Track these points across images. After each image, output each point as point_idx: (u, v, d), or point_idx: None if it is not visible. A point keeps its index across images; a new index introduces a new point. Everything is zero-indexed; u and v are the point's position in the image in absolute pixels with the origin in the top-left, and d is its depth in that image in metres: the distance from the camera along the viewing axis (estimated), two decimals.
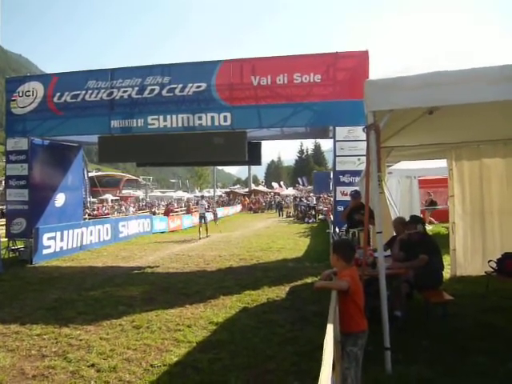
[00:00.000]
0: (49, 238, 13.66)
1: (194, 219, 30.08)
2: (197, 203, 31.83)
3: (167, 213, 30.89)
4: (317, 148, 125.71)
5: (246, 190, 75.48)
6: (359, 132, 10.47)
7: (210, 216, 22.60)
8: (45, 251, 13.46)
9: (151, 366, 5.15)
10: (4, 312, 7.71)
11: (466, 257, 8.96)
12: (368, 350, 4.06)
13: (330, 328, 2.62)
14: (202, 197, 27.79)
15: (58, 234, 14.11)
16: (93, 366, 5.23)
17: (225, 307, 7.72)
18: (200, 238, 20.08)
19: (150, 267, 12.17)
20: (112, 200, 58.83)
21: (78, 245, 15.23)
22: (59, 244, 14.15)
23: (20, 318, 7.24)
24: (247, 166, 68.70)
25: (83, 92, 12.92)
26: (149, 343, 5.94)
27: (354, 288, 3.68)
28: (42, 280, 10.51)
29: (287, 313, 7.22)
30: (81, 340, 6.17)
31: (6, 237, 14.18)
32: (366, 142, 4.90)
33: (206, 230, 21.03)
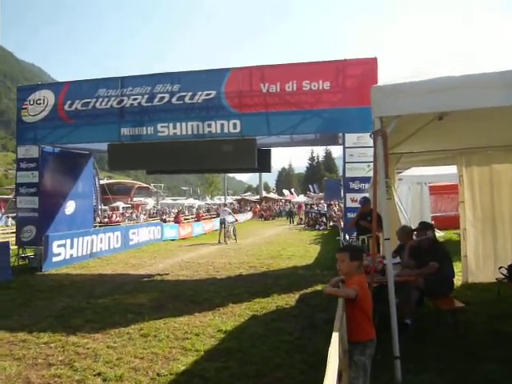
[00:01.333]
0: (59, 246, 13.69)
1: (204, 226, 30.15)
2: (208, 210, 32.35)
3: (177, 220, 30.91)
4: (328, 155, 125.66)
5: (257, 197, 75.54)
6: (368, 138, 10.35)
7: (231, 219, 23.09)
8: (54, 259, 13.49)
9: (158, 375, 5.11)
10: (12, 320, 7.69)
11: (478, 263, 8.86)
12: (377, 358, 4.00)
13: (335, 337, 2.57)
14: (225, 204, 29.14)
15: (68, 241, 14.14)
16: (99, 374, 5.19)
17: (234, 315, 7.68)
18: (219, 242, 21.23)
19: (159, 275, 12.17)
20: (123, 207, 59.01)
21: (88, 252, 15.25)
22: (69, 251, 14.17)
23: (28, 326, 7.22)
24: (258, 174, 68.75)
25: (93, 100, 12.97)
26: (156, 352, 5.90)
27: (361, 295, 3.62)
28: (51, 288, 10.52)
29: (296, 320, 7.17)
30: (88, 348, 6.15)
31: (16, 244, 14.25)
32: (375, 149, 4.84)
33: (225, 235, 21.81)
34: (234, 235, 22.47)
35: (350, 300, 3.63)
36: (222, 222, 22.14)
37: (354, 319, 3.66)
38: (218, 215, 36.26)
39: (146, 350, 5.99)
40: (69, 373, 5.28)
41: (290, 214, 43.14)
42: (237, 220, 28.25)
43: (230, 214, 23.55)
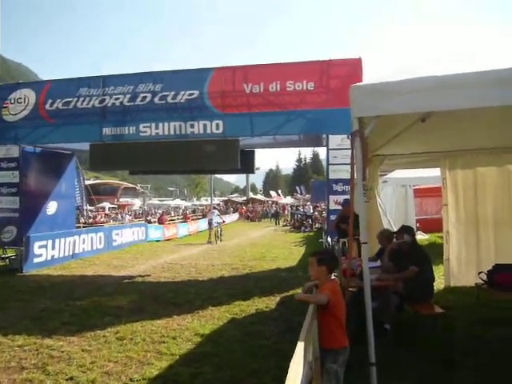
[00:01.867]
0: (40, 247, 13.49)
1: (189, 228, 30.01)
2: (193, 211, 32.36)
3: (161, 221, 30.75)
4: (315, 156, 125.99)
5: (244, 198, 75.43)
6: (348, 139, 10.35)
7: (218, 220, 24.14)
8: (36, 259, 13.28)
9: (130, 379, 5.00)
10: None
11: (460, 267, 8.83)
12: (352, 365, 3.92)
13: (300, 347, 2.45)
14: (214, 207, 32.85)
15: (50, 242, 13.94)
16: (71, 379, 5.08)
17: (212, 318, 7.58)
18: (209, 242, 22.49)
19: (140, 276, 12.03)
20: (109, 208, 58.58)
21: (70, 253, 15.05)
22: (51, 252, 13.97)
23: (4, 329, 7.06)
24: (245, 175, 68.63)
25: (75, 99, 12.74)
26: (131, 355, 5.78)
27: (334, 301, 3.53)
28: (31, 289, 10.34)
29: (275, 324, 7.08)
30: (62, 352, 6.01)
31: None
32: (352, 150, 4.75)
33: (215, 235, 22.78)
34: (220, 236, 23.08)
35: (322, 306, 3.54)
36: (210, 223, 23.59)
37: (326, 326, 3.57)
38: (203, 216, 36.86)
39: (121, 354, 5.87)
40: (41, 377, 5.17)
41: (276, 216, 43.11)
42: (224, 221, 28.32)
43: (217, 215, 24.59)
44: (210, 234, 23.35)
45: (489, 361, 4.96)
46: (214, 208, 30.79)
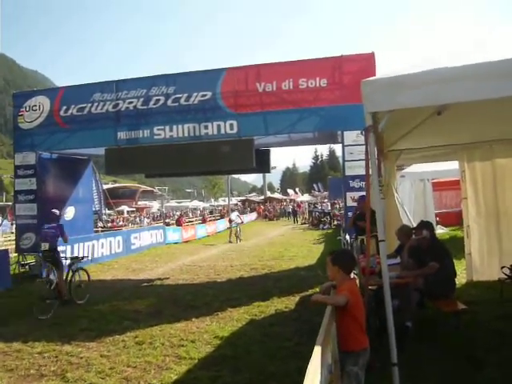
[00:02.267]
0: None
1: (208, 228, 30.06)
2: (211, 212, 32.53)
3: (179, 223, 30.85)
4: (331, 153, 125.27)
5: (262, 197, 75.37)
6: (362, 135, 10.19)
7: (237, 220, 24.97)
8: None
9: None
10: (9, 329, 7.61)
11: (482, 261, 8.65)
12: (377, 366, 3.83)
13: (317, 350, 2.36)
14: (233, 209, 35.60)
15: (68, 247, 14.01)
16: None
17: (231, 320, 7.53)
18: (230, 242, 23.28)
19: (159, 279, 12.04)
20: (128, 211, 59.05)
21: (89, 258, 15.11)
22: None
23: (23, 336, 7.11)
24: (262, 174, 68.59)
25: (89, 105, 12.84)
26: (150, 360, 5.77)
27: (352, 302, 3.43)
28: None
29: (295, 325, 7.00)
30: (81, 358, 6.03)
31: (15, 252, 14.13)
32: (366, 146, 4.64)
33: (235, 235, 23.80)
34: (240, 236, 23.93)
35: (340, 307, 3.44)
36: (230, 222, 24.87)
37: (345, 328, 3.47)
38: (221, 217, 37.27)
39: (140, 359, 5.86)
40: None
41: (294, 214, 42.97)
42: (242, 222, 28.39)
43: (237, 215, 25.61)
44: (230, 234, 24.15)
45: None
46: (233, 210, 32.23)
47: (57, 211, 10.53)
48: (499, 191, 8.42)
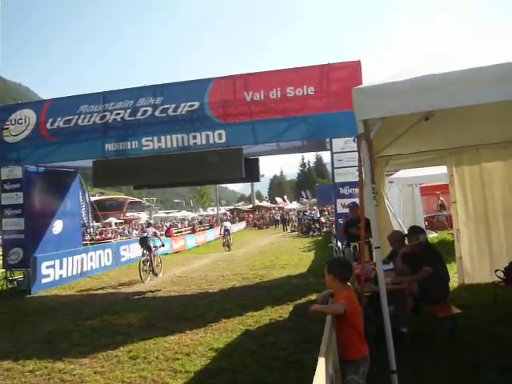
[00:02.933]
0: (47, 267, 13.40)
1: (197, 239, 29.94)
2: (200, 222, 32.36)
3: (168, 234, 30.72)
4: (318, 160, 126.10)
5: (250, 206, 75.35)
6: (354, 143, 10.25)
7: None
8: (44, 280, 13.19)
9: None
10: None
11: (473, 264, 8.71)
12: (374, 373, 3.80)
13: (321, 362, 2.35)
14: (227, 219, 36.08)
15: (57, 261, 13.87)
16: None
17: (226, 331, 7.45)
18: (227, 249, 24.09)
19: (150, 291, 11.92)
20: (116, 223, 58.65)
21: (79, 272, 14.98)
22: (58, 272, 13.89)
23: (13, 354, 6.95)
24: (250, 183, 68.60)
25: (76, 117, 12.75)
26: (145, 375, 5.67)
27: (351, 311, 3.41)
28: (39, 311, 10.24)
29: (290, 334, 6.94)
30: (74, 375, 5.90)
31: (3, 267, 13.93)
32: (359, 153, 4.65)
33: (224, 244, 24.49)
34: (230, 244, 24.33)
35: (339, 316, 3.42)
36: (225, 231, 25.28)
37: (344, 336, 3.45)
38: (211, 227, 37.48)
39: (135, 374, 5.76)
40: None
41: (283, 222, 42.97)
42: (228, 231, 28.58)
43: (229, 226, 26.24)
44: (223, 242, 24.79)
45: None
46: (226, 220, 32.47)
47: None
48: (487, 194, 8.51)
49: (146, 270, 14.14)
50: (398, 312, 5.55)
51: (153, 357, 6.36)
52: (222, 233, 25.23)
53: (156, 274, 14.46)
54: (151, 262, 14.30)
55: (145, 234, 14.74)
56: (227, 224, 26.25)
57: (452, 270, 8.89)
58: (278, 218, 48.74)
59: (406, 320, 5.66)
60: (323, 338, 2.86)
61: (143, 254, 14.39)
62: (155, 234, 15.17)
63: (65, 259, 14.28)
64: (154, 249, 14.60)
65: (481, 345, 5.44)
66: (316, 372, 2.24)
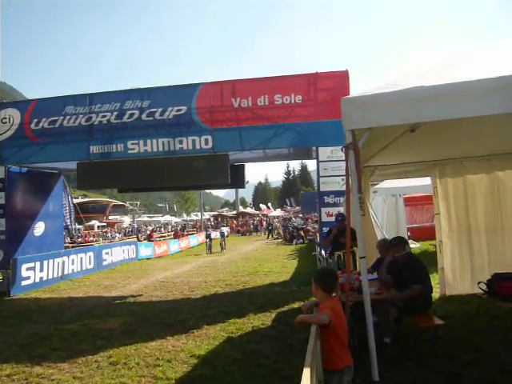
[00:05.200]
0: (28, 269, 13.23)
1: (181, 244, 29.80)
2: (184, 227, 32.83)
3: (150, 238, 30.65)
4: (303, 169, 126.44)
5: (234, 212, 75.24)
6: (342, 152, 10.31)
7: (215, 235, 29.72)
8: (23, 282, 13.01)
9: None
10: None
11: (455, 276, 8.76)
12: (356, 383, 3.80)
13: (306, 372, 2.33)
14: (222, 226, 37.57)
15: (38, 264, 13.69)
16: None
17: (208, 338, 7.38)
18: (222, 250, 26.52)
19: (132, 296, 11.80)
20: (98, 226, 58.12)
21: (59, 274, 14.80)
22: (39, 274, 13.71)
23: None
24: (234, 189, 68.54)
25: (61, 118, 12.60)
26: (125, 381, 5.59)
27: (335, 321, 3.40)
28: (18, 314, 10.09)
29: (273, 342, 6.90)
30: (52, 380, 5.81)
31: None
32: (346, 163, 4.68)
33: (207, 247, 27.11)
34: (211, 249, 26.64)
35: (323, 326, 3.41)
36: (222, 235, 27.81)
37: (328, 346, 3.44)
38: (196, 230, 38.73)
39: (115, 380, 5.68)
40: None
41: (269, 229, 42.96)
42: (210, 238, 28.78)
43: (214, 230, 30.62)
44: (220, 245, 27.14)
45: (493, 372, 4.85)
46: (223, 226, 36.87)
47: None
48: (470, 207, 8.59)
49: None
50: (380, 322, 5.57)
51: (133, 363, 6.27)
52: (219, 236, 28.05)
53: None
54: None
55: None
56: (224, 229, 29.51)
57: (434, 280, 8.89)
58: (263, 224, 48.77)
59: (388, 330, 5.68)
60: (308, 348, 2.85)
61: None
62: None
63: (46, 261, 14.11)
64: None
65: (462, 355, 5.47)
66: (301, 383, 2.22)
